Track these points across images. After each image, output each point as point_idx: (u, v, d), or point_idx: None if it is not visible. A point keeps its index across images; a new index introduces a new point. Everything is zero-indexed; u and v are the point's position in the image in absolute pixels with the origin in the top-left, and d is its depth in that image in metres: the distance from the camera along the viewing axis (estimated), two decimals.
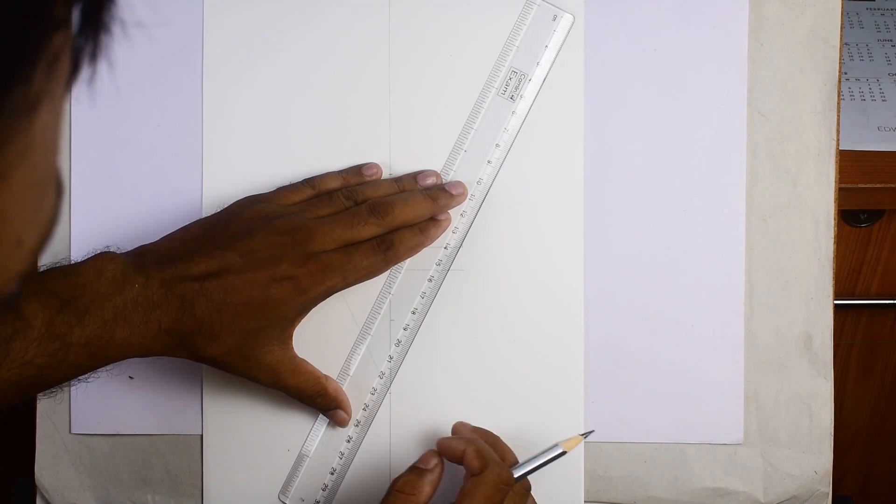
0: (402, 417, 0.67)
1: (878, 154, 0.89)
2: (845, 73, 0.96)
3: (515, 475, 0.60)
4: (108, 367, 0.59)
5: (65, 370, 0.57)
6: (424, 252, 0.65)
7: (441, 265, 0.67)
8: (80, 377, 0.58)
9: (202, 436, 0.68)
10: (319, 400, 0.65)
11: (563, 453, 0.62)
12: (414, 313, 0.67)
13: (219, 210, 0.64)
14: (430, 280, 0.67)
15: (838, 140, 0.67)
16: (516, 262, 0.67)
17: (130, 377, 0.68)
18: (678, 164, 0.67)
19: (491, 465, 0.59)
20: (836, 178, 0.67)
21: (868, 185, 0.87)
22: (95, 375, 0.59)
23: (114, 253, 0.59)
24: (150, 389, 0.68)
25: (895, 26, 1.02)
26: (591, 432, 0.64)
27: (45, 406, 0.69)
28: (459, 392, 0.67)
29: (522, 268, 0.67)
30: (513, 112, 0.66)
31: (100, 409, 0.68)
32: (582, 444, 0.67)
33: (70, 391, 0.68)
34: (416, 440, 0.67)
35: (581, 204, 0.67)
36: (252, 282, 0.59)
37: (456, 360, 0.67)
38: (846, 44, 0.98)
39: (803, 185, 0.67)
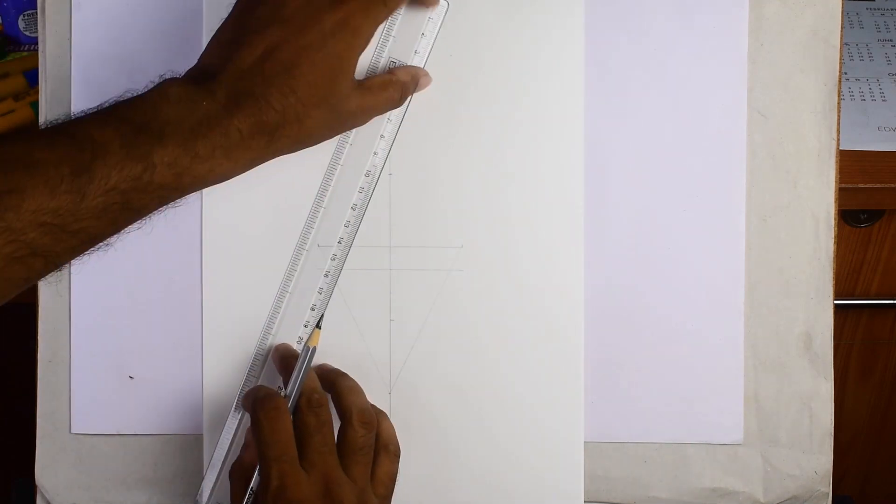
0: (402, 416, 0.67)
1: (878, 154, 0.89)
2: (845, 73, 0.96)
3: (286, 393, 0.62)
4: (196, 193, 0.58)
5: (152, 193, 0.55)
6: (353, 170, 0.66)
7: (370, 175, 0.66)
8: (171, 203, 0.57)
9: (202, 436, 0.68)
10: (405, 92, 0.64)
11: (311, 349, 0.63)
12: (340, 243, 0.67)
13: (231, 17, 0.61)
14: (353, 208, 0.66)
15: (838, 140, 0.67)
16: (516, 262, 0.67)
17: (130, 377, 0.68)
18: (678, 164, 0.67)
19: (257, 399, 0.61)
20: (836, 178, 0.67)
21: (868, 185, 0.87)
22: (170, 208, 0.58)
23: (174, 77, 0.58)
24: (150, 389, 0.68)
25: (895, 26, 1.02)
26: (321, 317, 0.65)
27: (45, 406, 0.69)
28: (459, 392, 0.67)
29: (522, 268, 0.67)
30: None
31: (100, 409, 0.68)
32: (582, 444, 0.67)
33: (70, 391, 0.68)
34: (416, 439, 0.67)
35: (581, 204, 0.67)
36: (307, 47, 0.57)
37: (455, 360, 0.67)
38: (846, 44, 0.99)
39: (803, 185, 0.67)
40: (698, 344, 0.68)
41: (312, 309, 0.67)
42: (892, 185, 0.87)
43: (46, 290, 0.68)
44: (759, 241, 0.67)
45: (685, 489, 0.69)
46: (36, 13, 0.71)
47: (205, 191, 0.67)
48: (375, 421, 0.63)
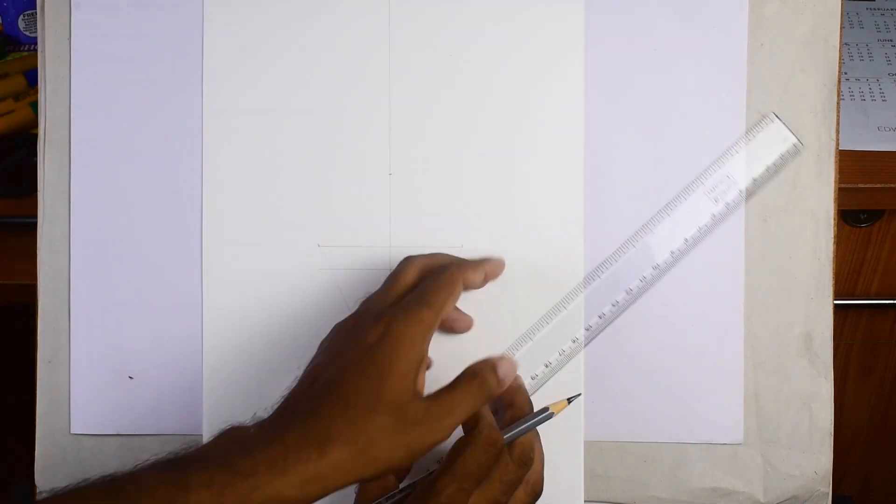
0: None
1: (878, 154, 0.89)
2: (845, 73, 0.96)
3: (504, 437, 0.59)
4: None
5: None
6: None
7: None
8: None
9: (202, 436, 0.68)
10: (486, 384, 0.58)
11: (552, 415, 0.61)
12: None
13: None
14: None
15: (838, 140, 0.67)
16: (516, 262, 0.67)
17: (130, 377, 0.68)
18: (678, 164, 0.67)
19: (481, 424, 0.58)
20: (835, 178, 0.67)
21: (868, 185, 0.87)
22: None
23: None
24: (150, 389, 0.68)
25: (895, 26, 1.02)
26: (577, 395, 0.63)
27: (45, 406, 0.69)
28: None
29: (523, 267, 0.67)
30: (712, 214, 0.66)
31: (100, 410, 0.68)
32: (582, 443, 0.67)
33: (70, 391, 0.68)
34: None
35: (581, 203, 0.67)
36: (351, 361, 0.56)
37: (455, 358, 0.67)
38: (846, 44, 0.99)
39: (803, 185, 0.67)
40: (698, 344, 0.68)
41: (546, 366, 0.66)
42: (892, 185, 0.87)
43: (46, 290, 0.68)
44: (759, 241, 0.67)
45: (685, 489, 0.69)
46: (36, 13, 0.72)
47: (205, 194, 0.67)
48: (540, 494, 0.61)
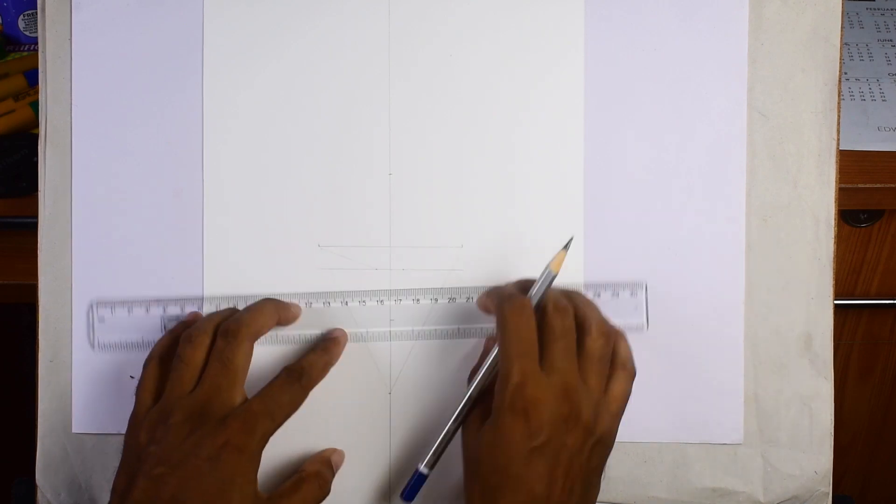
0: (402, 417, 0.67)
1: (878, 154, 0.89)
2: (845, 73, 0.96)
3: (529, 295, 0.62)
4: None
5: None
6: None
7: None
8: None
9: None
10: (322, 481, 0.64)
11: (553, 274, 0.63)
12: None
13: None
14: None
15: (838, 140, 0.67)
16: (516, 263, 0.67)
17: (131, 377, 0.68)
18: (678, 163, 0.67)
19: (504, 297, 0.61)
20: (836, 178, 0.68)
21: (868, 185, 0.87)
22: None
23: None
24: None
25: (895, 26, 1.02)
26: (570, 240, 0.64)
27: (46, 406, 0.69)
28: (458, 393, 0.67)
29: (522, 268, 0.67)
30: None
31: (101, 409, 0.68)
32: None
33: (71, 391, 0.68)
34: (417, 440, 0.67)
35: (581, 204, 0.67)
36: (191, 477, 0.57)
37: (456, 360, 0.67)
38: (846, 44, 0.99)
39: (803, 185, 0.67)
40: (698, 344, 0.68)
41: None
42: (892, 185, 0.87)
43: (47, 289, 0.68)
44: (759, 241, 0.68)
45: (685, 489, 0.69)
46: (36, 13, 0.72)
47: (206, 194, 0.67)
48: (615, 334, 0.63)
